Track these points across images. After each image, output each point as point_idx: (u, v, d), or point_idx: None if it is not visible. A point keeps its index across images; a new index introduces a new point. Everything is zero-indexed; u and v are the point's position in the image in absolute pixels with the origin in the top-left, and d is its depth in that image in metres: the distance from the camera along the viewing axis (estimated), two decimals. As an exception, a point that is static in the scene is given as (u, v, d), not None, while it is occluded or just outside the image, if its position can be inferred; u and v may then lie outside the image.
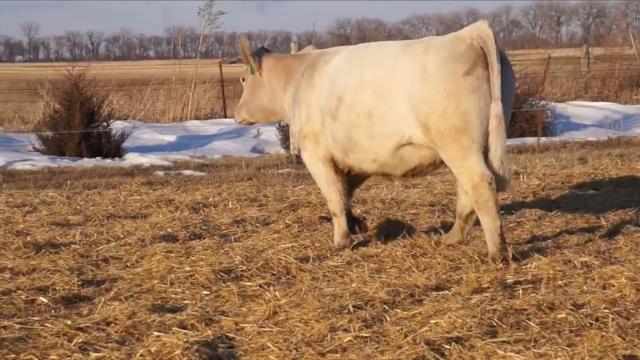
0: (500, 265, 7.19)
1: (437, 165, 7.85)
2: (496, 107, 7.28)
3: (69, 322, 5.83)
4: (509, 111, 7.57)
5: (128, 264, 7.72)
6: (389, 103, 7.59)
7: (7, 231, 8.85)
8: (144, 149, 18.84)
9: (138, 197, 10.81)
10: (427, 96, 7.40)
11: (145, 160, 17.40)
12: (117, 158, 17.82)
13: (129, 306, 6.21)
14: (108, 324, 5.89)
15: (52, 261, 7.70)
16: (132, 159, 17.68)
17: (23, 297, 6.53)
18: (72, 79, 18.31)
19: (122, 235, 8.73)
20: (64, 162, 16.95)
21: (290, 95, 8.28)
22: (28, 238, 8.51)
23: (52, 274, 7.22)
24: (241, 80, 8.68)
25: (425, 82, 7.43)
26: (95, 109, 18.44)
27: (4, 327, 5.79)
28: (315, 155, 8.11)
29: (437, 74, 7.41)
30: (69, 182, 13.46)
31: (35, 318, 6.00)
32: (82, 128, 17.96)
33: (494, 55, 7.31)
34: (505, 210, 9.30)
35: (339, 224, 8.16)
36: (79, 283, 6.98)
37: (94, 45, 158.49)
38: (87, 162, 17.10)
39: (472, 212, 7.80)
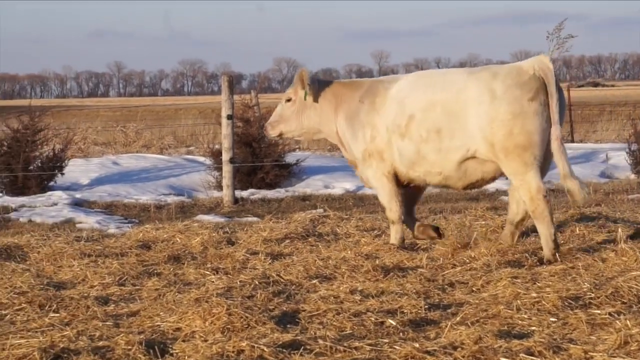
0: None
1: (495, 178, 9.12)
2: (556, 131, 8.54)
3: (417, 345, 5.92)
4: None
5: (474, 288, 7.73)
6: (458, 121, 8.76)
7: (356, 254, 9.15)
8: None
9: (483, 222, 10.80)
10: (495, 117, 8.61)
11: (489, 185, 17.34)
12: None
13: (475, 331, 6.19)
14: (455, 348, 5.91)
15: (399, 284, 7.86)
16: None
17: (372, 319, 6.70)
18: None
19: (467, 260, 8.75)
20: (411, 188, 17.29)
21: (346, 118, 9.37)
22: (377, 261, 8.75)
23: (399, 297, 7.36)
24: (284, 101, 9.64)
25: (494, 104, 8.63)
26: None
27: (355, 348, 5.97)
28: (380, 171, 9.25)
29: (504, 97, 8.62)
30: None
31: (385, 340, 6.14)
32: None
33: (553, 85, 8.58)
34: None
35: (397, 230, 9.41)
36: (426, 307, 7.07)
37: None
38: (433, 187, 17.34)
39: (523, 220, 9.05)
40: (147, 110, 45.61)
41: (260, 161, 17.31)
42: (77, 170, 18.17)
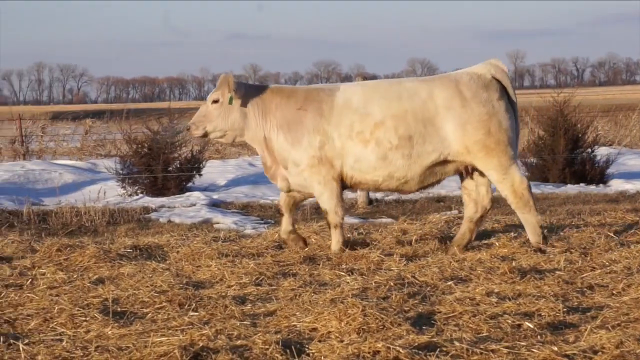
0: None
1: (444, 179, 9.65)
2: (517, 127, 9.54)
3: (555, 348, 5.82)
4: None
5: (614, 291, 7.55)
6: (429, 127, 9.29)
7: (492, 256, 9.05)
8: (629, 176, 18.36)
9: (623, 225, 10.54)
10: (469, 119, 9.28)
11: (630, 187, 16.96)
12: (601, 184, 17.55)
13: (616, 335, 6.05)
14: (595, 352, 5.79)
15: (537, 287, 7.74)
16: (617, 185, 17.31)
17: (509, 321, 6.62)
18: (557, 105, 18.37)
19: (607, 263, 8.56)
20: (548, 189, 17.02)
21: (281, 125, 9.56)
22: (513, 263, 8.64)
23: (537, 299, 7.25)
24: (210, 102, 9.73)
25: (467, 108, 9.30)
26: (580, 135, 18.33)
27: (492, 351, 5.91)
28: (329, 176, 9.48)
29: (475, 100, 9.32)
30: (550, 208, 13.48)
31: (522, 343, 6.06)
32: (565, 154, 17.94)
33: (510, 86, 9.53)
34: None
35: (340, 234, 9.63)
36: (564, 310, 6.94)
37: (579, 71, 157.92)
38: (571, 189, 17.04)
39: (482, 217, 9.66)
40: (282, 113, 45.91)
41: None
42: (214, 171, 18.52)
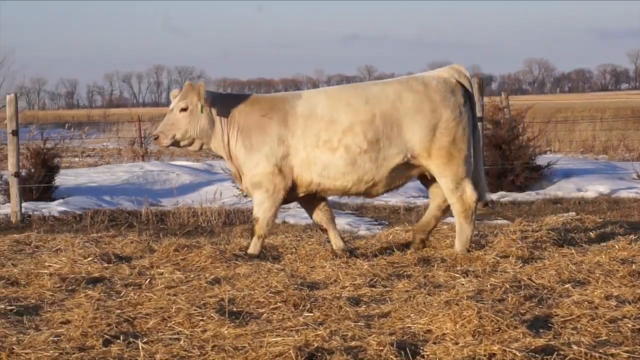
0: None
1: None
2: (477, 133, 9.74)
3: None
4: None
5: None
6: (395, 130, 9.35)
7: (611, 258, 8.86)
8: None
9: None
10: (437, 124, 9.37)
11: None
12: None
13: None
14: None
15: (659, 291, 7.55)
16: None
17: (629, 325, 6.47)
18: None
19: None
20: None
21: (242, 132, 9.55)
22: (633, 267, 8.43)
23: (659, 304, 7.07)
24: (177, 110, 9.64)
25: (436, 112, 9.38)
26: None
27: (612, 355, 5.78)
28: (280, 186, 9.49)
29: (444, 104, 9.40)
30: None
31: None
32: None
33: (472, 92, 9.64)
34: None
35: (260, 245, 9.65)
36: (688, 314, 6.75)
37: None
38: None
39: (449, 207, 9.60)
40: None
41: (510, 164, 17.08)
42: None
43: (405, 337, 6.36)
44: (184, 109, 9.71)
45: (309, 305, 7.39)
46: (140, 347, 6.18)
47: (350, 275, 8.56)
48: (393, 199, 15.97)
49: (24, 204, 14.60)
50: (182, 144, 9.82)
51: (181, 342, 6.34)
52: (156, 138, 9.81)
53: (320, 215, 9.91)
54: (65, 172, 18.08)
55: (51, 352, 6.08)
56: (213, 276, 8.68)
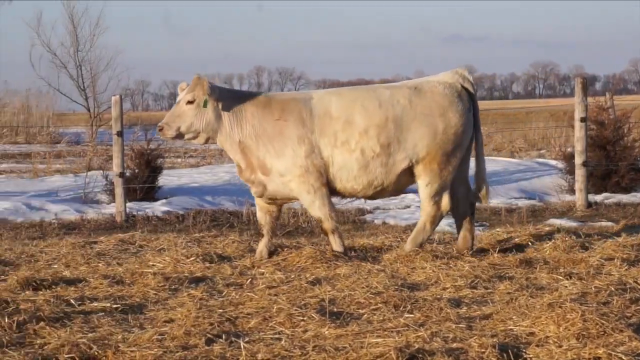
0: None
1: None
2: (481, 137, 9.80)
3: None
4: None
5: None
6: (405, 134, 9.40)
7: None
8: None
9: None
10: (445, 129, 9.42)
11: None
12: None
13: None
14: None
15: None
16: None
17: None
18: None
19: None
20: None
21: (259, 136, 9.57)
22: None
23: None
24: (185, 102, 9.62)
25: (444, 117, 9.42)
26: None
27: None
28: (318, 183, 9.47)
29: (452, 109, 9.44)
30: None
31: None
32: None
33: (475, 95, 9.65)
34: None
35: (340, 237, 9.69)
36: None
37: None
38: None
39: (473, 214, 9.82)
40: (498, 114, 45.65)
41: (615, 164, 16.75)
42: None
43: (507, 340, 6.29)
44: (190, 102, 9.72)
45: (409, 306, 7.37)
46: (242, 347, 6.24)
47: (451, 276, 8.51)
48: (494, 200, 15.81)
49: (128, 204, 14.88)
50: (186, 136, 9.83)
51: (282, 342, 6.38)
52: (161, 129, 9.79)
53: (268, 219, 9.89)
54: (168, 172, 18.38)
55: (155, 350, 6.18)
56: (313, 276, 8.71)
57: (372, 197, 9.87)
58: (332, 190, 9.68)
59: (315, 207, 9.65)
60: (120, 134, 14.86)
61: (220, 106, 9.73)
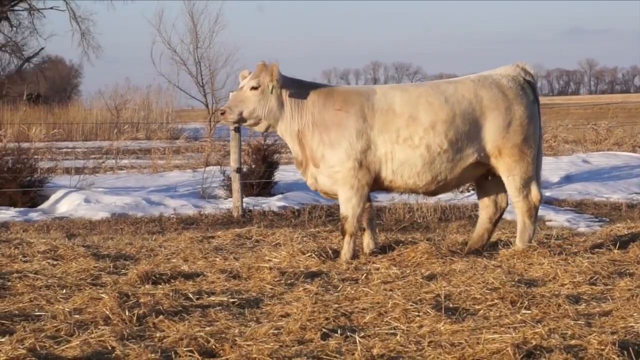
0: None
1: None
2: (540, 131, 9.70)
3: None
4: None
5: None
6: (473, 129, 9.34)
7: None
8: None
9: None
10: (512, 122, 9.39)
11: None
12: None
13: None
14: None
15: None
16: None
17: None
18: None
19: None
20: None
21: (318, 125, 9.42)
22: None
23: None
24: (249, 88, 9.52)
25: (511, 110, 9.40)
26: None
27: None
28: (364, 181, 9.32)
29: (517, 101, 9.43)
30: None
31: None
32: None
33: (537, 88, 9.69)
34: None
35: (354, 243, 9.48)
36: None
37: None
38: None
39: (500, 218, 9.83)
40: (619, 108, 44.69)
41: None
42: (546, 168, 18.20)
43: (628, 337, 6.15)
44: (254, 88, 9.63)
45: (526, 302, 7.27)
46: (357, 341, 6.25)
47: (569, 272, 8.36)
48: (615, 195, 15.46)
49: (245, 199, 15.05)
50: (248, 122, 9.75)
51: (397, 337, 6.37)
52: (222, 113, 9.74)
53: (363, 215, 9.67)
54: (284, 168, 18.52)
55: (271, 344, 6.24)
56: (429, 272, 8.67)
57: (434, 193, 9.73)
58: (393, 187, 9.56)
59: (351, 204, 9.46)
60: (237, 129, 15.02)
61: (283, 94, 9.68)
